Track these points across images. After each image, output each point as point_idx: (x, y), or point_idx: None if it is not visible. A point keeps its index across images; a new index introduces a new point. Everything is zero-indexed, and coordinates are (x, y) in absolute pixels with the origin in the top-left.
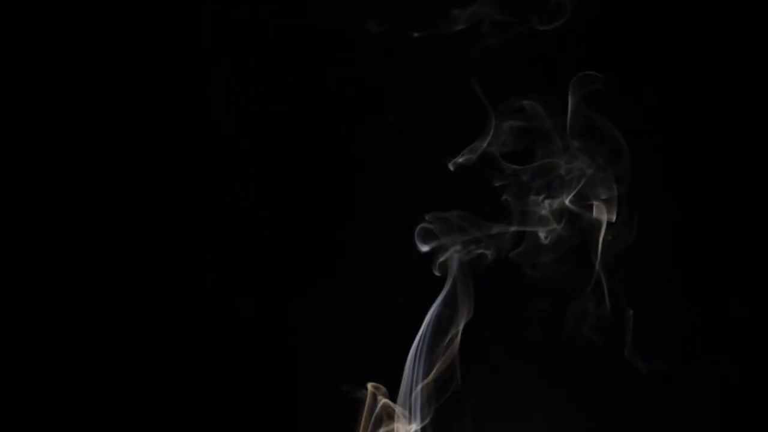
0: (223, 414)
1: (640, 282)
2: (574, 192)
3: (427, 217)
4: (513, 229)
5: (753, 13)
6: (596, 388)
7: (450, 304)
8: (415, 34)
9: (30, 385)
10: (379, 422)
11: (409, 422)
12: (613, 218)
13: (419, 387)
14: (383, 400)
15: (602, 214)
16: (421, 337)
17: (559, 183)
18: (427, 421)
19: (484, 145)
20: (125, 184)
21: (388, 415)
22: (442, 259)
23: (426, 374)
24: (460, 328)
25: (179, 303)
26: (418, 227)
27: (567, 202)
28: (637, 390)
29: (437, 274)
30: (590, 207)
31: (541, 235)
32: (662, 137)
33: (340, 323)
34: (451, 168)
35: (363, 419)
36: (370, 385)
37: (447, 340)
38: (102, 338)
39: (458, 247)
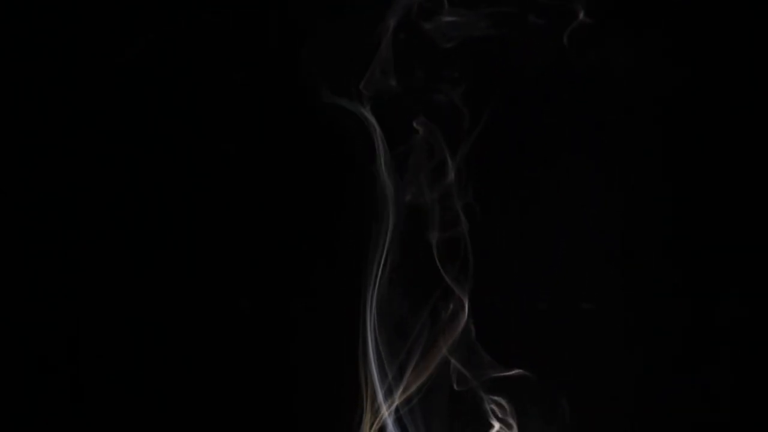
0: (223, 414)
1: (637, 281)
2: None
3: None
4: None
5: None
6: (591, 388)
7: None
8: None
9: (30, 385)
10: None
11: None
12: None
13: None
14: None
15: None
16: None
17: None
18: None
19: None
20: (124, 183)
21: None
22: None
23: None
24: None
25: (179, 303)
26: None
27: None
28: (632, 390)
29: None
30: None
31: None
32: (659, 134)
33: (341, 322)
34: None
35: (363, 418)
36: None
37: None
38: (101, 339)
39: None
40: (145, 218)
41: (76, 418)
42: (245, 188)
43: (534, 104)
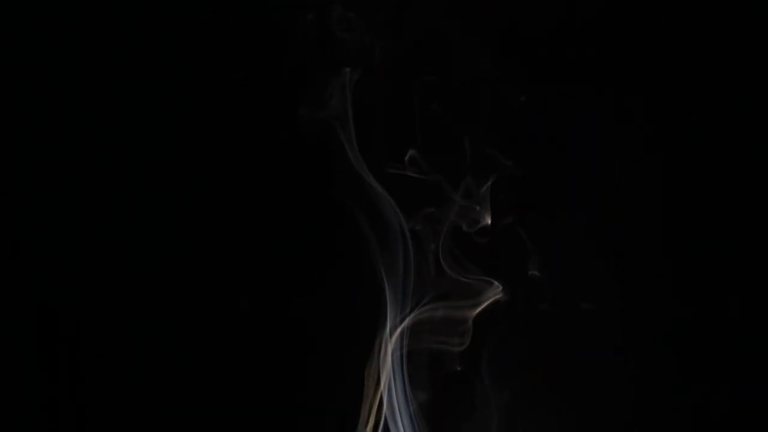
0: (223, 414)
1: (636, 281)
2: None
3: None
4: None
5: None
6: (589, 391)
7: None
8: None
9: (30, 384)
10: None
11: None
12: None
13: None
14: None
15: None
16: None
17: None
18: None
19: None
20: (125, 182)
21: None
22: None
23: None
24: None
25: (179, 303)
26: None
27: None
28: (631, 390)
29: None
30: None
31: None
32: (657, 133)
33: (341, 322)
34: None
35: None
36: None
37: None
38: (102, 339)
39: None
40: (145, 218)
41: (76, 418)
42: (245, 188)
43: (533, 104)
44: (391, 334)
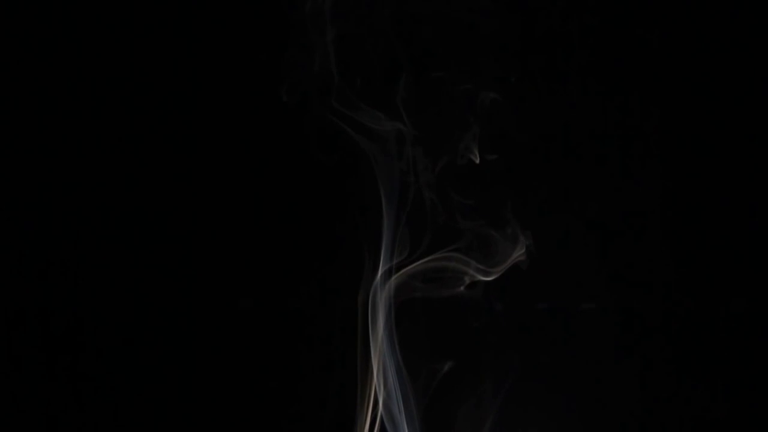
0: (223, 414)
1: (636, 281)
2: None
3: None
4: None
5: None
6: (589, 391)
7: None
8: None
9: (30, 384)
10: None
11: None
12: None
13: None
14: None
15: None
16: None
17: None
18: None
19: None
20: (125, 182)
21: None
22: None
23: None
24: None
25: (179, 302)
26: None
27: None
28: (631, 389)
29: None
30: None
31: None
32: (657, 132)
33: (341, 321)
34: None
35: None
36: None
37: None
38: (102, 339)
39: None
40: (145, 218)
41: (76, 418)
42: (245, 188)
43: (532, 106)
44: (383, 281)
